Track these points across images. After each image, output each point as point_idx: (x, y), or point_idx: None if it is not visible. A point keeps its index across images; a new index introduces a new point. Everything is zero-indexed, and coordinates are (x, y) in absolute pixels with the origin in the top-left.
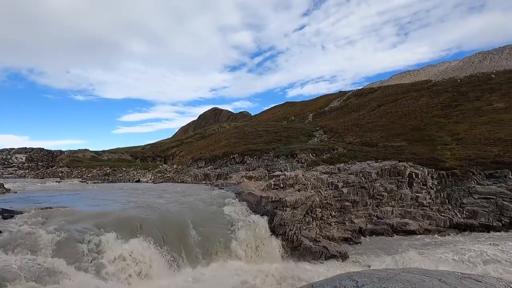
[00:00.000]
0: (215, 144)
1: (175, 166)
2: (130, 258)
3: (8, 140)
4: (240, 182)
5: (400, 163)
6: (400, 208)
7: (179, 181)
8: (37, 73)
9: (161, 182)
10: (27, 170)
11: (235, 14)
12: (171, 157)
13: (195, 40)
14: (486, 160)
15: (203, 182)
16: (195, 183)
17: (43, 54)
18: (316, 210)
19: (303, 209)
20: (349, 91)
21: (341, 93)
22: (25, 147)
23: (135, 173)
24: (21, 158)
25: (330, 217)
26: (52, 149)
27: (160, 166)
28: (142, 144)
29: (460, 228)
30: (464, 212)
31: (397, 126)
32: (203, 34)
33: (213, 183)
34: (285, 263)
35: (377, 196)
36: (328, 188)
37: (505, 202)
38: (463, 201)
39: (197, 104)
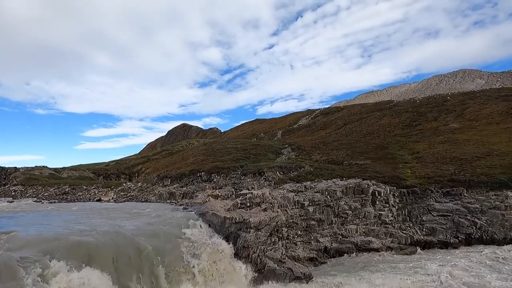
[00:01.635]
0: (183, 161)
1: (139, 184)
2: None
3: None
4: (206, 201)
5: (364, 181)
6: (364, 226)
7: (143, 200)
8: None
9: (124, 201)
10: None
11: (204, 31)
12: (136, 175)
13: (164, 54)
14: (443, 178)
15: (168, 201)
16: (159, 202)
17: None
18: (282, 230)
19: (267, 230)
20: (317, 109)
21: (309, 111)
22: None
23: (96, 192)
24: None
25: (296, 236)
26: (6, 166)
27: (124, 184)
28: (107, 160)
29: (420, 245)
30: (424, 229)
31: (361, 145)
32: (172, 48)
33: (178, 202)
34: (248, 287)
35: (342, 215)
36: (294, 207)
37: (461, 219)
38: (423, 218)
39: (166, 119)
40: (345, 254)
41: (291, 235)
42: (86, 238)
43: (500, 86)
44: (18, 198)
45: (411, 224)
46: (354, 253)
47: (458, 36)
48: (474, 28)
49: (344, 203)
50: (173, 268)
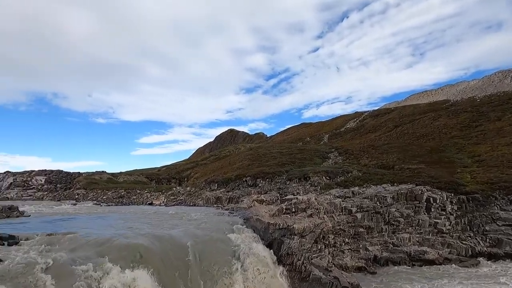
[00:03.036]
0: (229, 166)
1: (188, 188)
2: None
3: (31, 162)
4: (251, 206)
5: (417, 187)
6: (417, 235)
7: (191, 204)
8: (61, 97)
9: (174, 205)
10: (46, 192)
11: (249, 38)
12: (185, 179)
13: (210, 63)
14: (509, 183)
15: (215, 205)
16: (206, 206)
17: (66, 79)
18: (328, 237)
19: (312, 237)
20: (365, 112)
21: (357, 114)
22: (45, 169)
23: (148, 196)
24: (41, 180)
25: (344, 244)
26: (71, 171)
27: (174, 189)
28: (160, 165)
29: (484, 257)
30: (487, 240)
31: (414, 148)
32: (217, 57)
33: (224, 206)
34: None
35: (393, 222)
36: (341, 213)
37: None
38: (486, 228)
39: (214, 125)
40: (396, 265)
41: (338, 243)
42: (137, 240)
43: None
44: (80, 201)
45: (472, 234)
46: (407, 263)
47: None
48: None
49: (395, 210)
50: (216, 273)
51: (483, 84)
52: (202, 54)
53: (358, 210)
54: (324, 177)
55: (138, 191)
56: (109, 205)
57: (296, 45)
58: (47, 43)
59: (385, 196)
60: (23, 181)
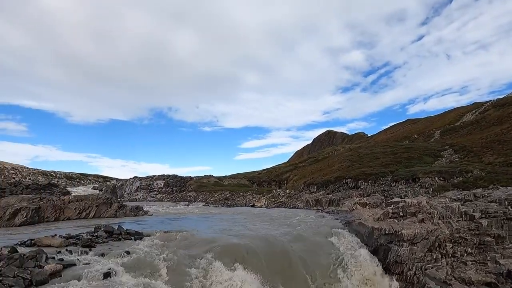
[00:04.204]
0: (328, 168)
1: (287, 191)
2: (234, 284)
3: (153, 168)
4: (353, 209)
5: None
6: None
7: (291, 206)
8: (174, 110)
9: (274, 207)
10: (164, 194)
11: (343, 35)
12: (285, 182)
13: (305, 65)
14: None
15: (315, 208)
16: (306, 208)
17: (177, 92)
18: (445, 245)
19: (424, 244)
20: (486, 102)
21: (475, 105)
22: (163, 174)
23: (250, 198)
24: (160, 184)
25: (465, 254)
26: (184, 175)
27: (274, 191)
28: (260, 169)
29: None
30: None
31: None
32: (312, 58)
33: (324, 209)
34: None
35: None
36: (461, 219)
37: None
38: None
39: (311, 128)
40: None
41: (459, 253)
42: (242, 241)
43: None
44: (192, 202)
45: None
46: None
47: None
48: None
49: None
50: (318, 276)
51: None
52: (297, 56)
53: (483, 216)
54: (437, 178)
55: (241, 193)
56: (216, 206)
57: (397, 36)
58: (160, 63)
59: None
60: (147, 185)
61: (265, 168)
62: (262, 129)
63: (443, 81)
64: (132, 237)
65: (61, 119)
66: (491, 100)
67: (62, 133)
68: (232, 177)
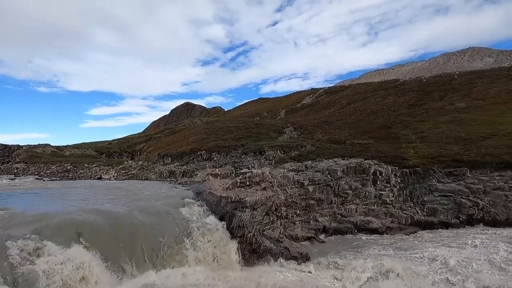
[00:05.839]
0: (184, 140)
1: (140, 162)
2: (70, 267)
3: None
4: (205, 180)
5: (366, 161)
6: (364, 206)
7: (143, 178)
8: None
9: (125, 179)
10: None
11: (208, 7)
12: (138, 153)
13: (166, 32)
14: (446, 158)
15: (168, 179)
16: (159, 180)
17: (3, 42)
18: (281, 209)
19: (263, 209)
20: (320, 88)
21: (313, 90)
22: None
23: (97, 170)
24: None
25: (295, 215)
26: (10, 144)
27: (125, 163)
28: (110, 139)
29: (421, 225)
30: (425, 209)
31: (365, 124)
32: (175, 26)
33: (177, 180)
34: (242, 267)
35: (342, 194)
36: (294, 186)
37: (463, 200)
38: (424, 198)
39: (169, 98)
40: (344, 234)
41: (290, 215)
42: (78, 216)
43: (510, 65)
44: (20, 176)
45: (412, 205)
46: (353, 233)
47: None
48: (486, 3)
49: (345, 183)
50: (165, 247)
51: (429, 66)
52: (159, 22)
53: (310, 183)
54: (279, 151)
55: (86, 165)
56: (52, 180)
57: (255, 18)
58: None
59: (336, 170)
60: None
61: (117, 138)
62: (114, 95)
63: (291, 66)
64: None
65: None
66: (324, 88)
67: None
68: (76, 147)
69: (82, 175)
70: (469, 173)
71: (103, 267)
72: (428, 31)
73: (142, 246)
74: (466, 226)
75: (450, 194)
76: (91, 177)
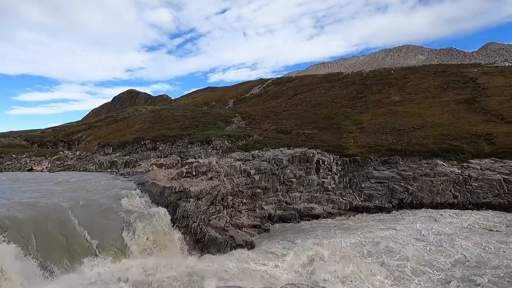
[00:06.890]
0: (127, 129)
1: (78, 152)
2: None
3: None
4: (149, 170)
5: (310, 150)
6: (307, 194)
7: (82, 169)
8: None
9: (60, 170)
10: None
11: None
12: (76, 143)
13: (108, 13)
14: (382, 147)
15: (109, 170)
16: (99, 171)
17: None
18: (227, 198)
19: (208, 199)
20: (269, 79)
21: (261, 81)
22: None
23: (28, 161)
24: None
25: (241, 204)
26: None
27: (61, 153)
28: (44, 127)
29: (358, 210)
30: (362, 195)
31: (310, 115)
32: (117, 7)
33: (119, 171)
34: (186, 257)
35: (287, 183)
36: (241, 175)
37: (395, 186)
38: (362, 185)
39: (112, 85)
40: (288, 221)
41: (237, 203)
42: (1, 212)
43: (438, 63)
44: None
45: (351, 191)
46: (297, 220)
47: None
48: (420, 4)
49: (290, 171)
50: (102, 240)
51: (369, 60)
52: (98, 1)
53: (257, 172)
54: (226, 141)
55: (14, 155)
56: None
57: (203, 4)
58: None
59: (282, 159)
60: None
61: (51, 126)
62: (48, 79)
63: (239, 55)
64: None
65: None
66: (272, 78)
67: None
68: (1, 135)
69: (9, 166)
70: (401, 161)
71: (26, 263)
72: (369, 27)
73: (78, 241)
74: (398, 210)
75: (384, 181)
76: (19, 169)
